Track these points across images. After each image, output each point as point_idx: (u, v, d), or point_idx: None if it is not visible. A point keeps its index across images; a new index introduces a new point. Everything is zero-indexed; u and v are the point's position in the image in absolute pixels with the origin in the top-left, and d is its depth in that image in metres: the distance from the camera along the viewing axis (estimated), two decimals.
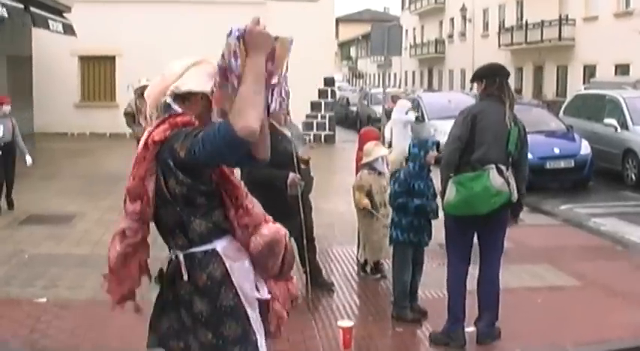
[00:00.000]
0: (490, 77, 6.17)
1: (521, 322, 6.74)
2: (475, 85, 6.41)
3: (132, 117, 13.64)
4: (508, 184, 5.89)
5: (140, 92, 13.82)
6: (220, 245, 3.33)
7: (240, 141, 2.97)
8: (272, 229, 3.40)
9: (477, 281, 6.32)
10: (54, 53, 23.58)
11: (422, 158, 6.69)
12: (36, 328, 6.41)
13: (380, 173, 8.03)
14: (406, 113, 16.48)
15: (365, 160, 8.01)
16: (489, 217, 6.01)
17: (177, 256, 3.38)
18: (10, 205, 11.67)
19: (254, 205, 3.44)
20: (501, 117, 5.99)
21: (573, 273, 8.59)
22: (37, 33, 20.79)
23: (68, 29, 20.20)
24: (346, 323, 6.09)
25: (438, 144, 7.52)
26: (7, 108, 11.63)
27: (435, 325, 6.55)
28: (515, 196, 5.97)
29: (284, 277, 3.51)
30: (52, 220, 10.80)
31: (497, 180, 5.85)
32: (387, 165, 8.12)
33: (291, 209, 6.65)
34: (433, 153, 6.74)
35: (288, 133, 7.22)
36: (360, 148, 8.54)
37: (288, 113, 7.11)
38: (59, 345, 6.10)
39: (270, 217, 3.48)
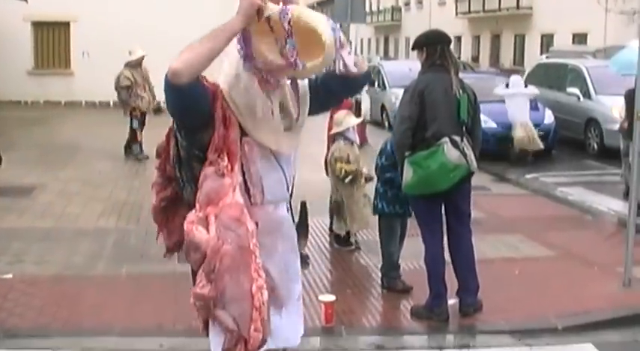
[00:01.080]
0: (431, 46, 5.98)
1: (501, 295, 6.65)
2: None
3: (127, 90, 13.20)
4: (465, 155, 5.76)
5: (136, 63, 13.45)
6: None
7: (167, 83, 2.92)
8: (202, 235, 3.04)
9: (450, 252, 6.23)
10: (6, 19, 22.85)
11: None
12: (3, 307, 6.15)
13: (353, 143, 7.87)
14: (525, 87, 15.94)
15: (335, 129, 7.85)
16: (454, 189, 5.91)
17: None
18: None
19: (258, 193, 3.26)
20: (448, 87, 5.83)
21: (547, 243, 8.55)
22: None
23: None
24: (328, 297, 5.94)
25: None
26: None
27: (416, 298, 6.45)
28: (474, 165, 5.84)
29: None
30: (12, 192, 10.44)
31: (452, 153, 5.71)
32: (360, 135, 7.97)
33: None
34: None
35: None
36: (331, 117, 8.30)
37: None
38: (29, 324, 5.85)
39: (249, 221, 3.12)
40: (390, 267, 6.85)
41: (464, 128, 5.87)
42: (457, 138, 5.76)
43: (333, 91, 3.43)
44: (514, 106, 15.03)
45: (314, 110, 3.47)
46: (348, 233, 8.09)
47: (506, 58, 40.68)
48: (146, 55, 13.38)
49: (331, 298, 5.94)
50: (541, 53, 32.75)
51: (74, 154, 13.95)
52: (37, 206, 9.77)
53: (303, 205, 6.16)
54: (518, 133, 14.60)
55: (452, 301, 6.18)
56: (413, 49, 6.20)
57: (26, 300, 6.32)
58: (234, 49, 3.12)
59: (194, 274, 3.15)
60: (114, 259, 7.45)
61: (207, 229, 3.04)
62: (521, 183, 12.77)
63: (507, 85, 15.52)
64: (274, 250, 3.31)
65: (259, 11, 3.01)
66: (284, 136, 3.26)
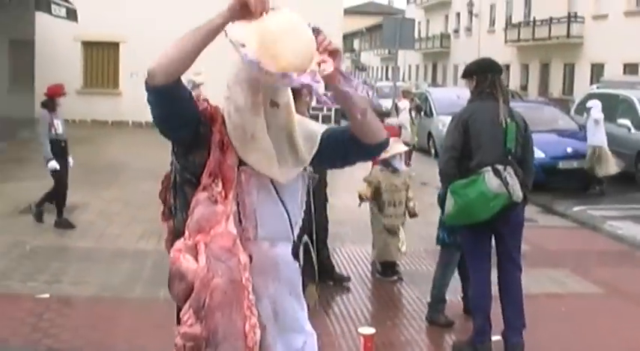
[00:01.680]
0: (481, 74, 5.82)
1: (545, 332, 6.44)
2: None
3: None
4: (506, 184, 5.54)
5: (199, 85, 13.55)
6: None
7: (145, 86, 2.72)
8: (190, 264, 2.80)
9: (499, 288, 5.98)
10: (57, 38, 23.22)
11: None
12: (38, 327, 6.09)
13: (394, 171, 7.76)
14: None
15: (383, 155, 7.74)
16: (499, 221, 5.68)
17: None
18: (60, 213, 9.80)
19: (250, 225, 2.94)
20: (494, 115, 5.65)
21: (594, 279, 8.29)
22: (41, 17, 20.43)
23: (71, 14, 19.87)
24: (367, 330, 5.71)
25: None
26: (62, 100, 9.77)
27: (459, 333, 6.26)
28: (517, 195, 5.59)
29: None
30: (54, 210, 10.44)
31: (492, 182, 5.52)
32: (407, 162, 7.89)
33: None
34: None
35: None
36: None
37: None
38: (63, 345, 5.78)
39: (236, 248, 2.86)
40: (438, 299, 6.68)
41: (509, 157, 5.68)
42: (500, 167, 5.57)
43: (349, 153, 3.08)
44: (594, 130, 14.85)
45: (328, 164, 3.22)
46: (393, 263, 7.95)
47: (556, 87, 40.22)
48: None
49: (371, 330, 5.71)
50: (591, 83, 32.26)
51: (118, 173, 14.01)
52: (78, 225, 9.75)
53: (306, 245, 6.04)
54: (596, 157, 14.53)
55: (496, 337, 5.97)
56: (463, 77, 6.05)
57: (62, 321, 6.26)
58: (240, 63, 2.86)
59: (178, 309, 2.88)
60: (152, 282, 7.35)
61: (196, 259, 2.80)
62: (568, 215, 12.49)
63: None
64: (263, 292, 2.95)
65: (246, 7, 2.72)
66: (282, 165, 2.94)
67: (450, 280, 6.68)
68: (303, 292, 3.18)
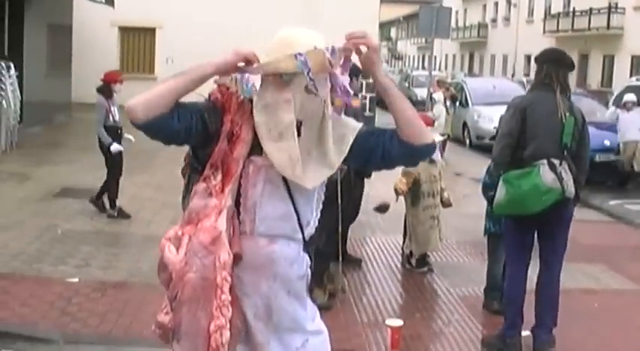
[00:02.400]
0: (539, 63, 5.70)
1: (578, 329, 6.32)
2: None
3: None
4: (561, 179, 5.41)
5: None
6: None
7: (130, 120, 2.73)
8: (172, 256, 2.82)
9: (536, 284, 5.87)
10: (94, 23, 23.35)
11: None
12: (66, 311, 6.11)
13: (431, 161, 7.65)
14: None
15: None
16: (548, 215, 5.54)
17: None
18: (112, 203, 9.66)
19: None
20: (554, 107, 5.51)
21: (630, 275, 8.14)
22: (79, 2, 20.53)
23: None
24: (395, 322, 5.68)
25: None
26: (119, 87, 9.47)
27: (489, 327, 6.17)
28: (570, 191, 5.47)
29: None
30: (87, 194, 10.45)
31: (547, 176, 5.40)
32: (441, 152, 7.79)
33: (329, 197, 6.27)
34: None
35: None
36: None
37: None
38: (90, 330, 5.79)
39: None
40: (492, 287, 6.66)
41: (565, 152, 5.54)
42: (556, 161, 5.45)
43: (393, 156, 2.94)
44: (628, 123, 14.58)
45: (362, 163, 3.11)
46: (424, 255, 7.87)
47: (594, 79, 39.65)
48: None
49: (399, 322, 5.68)
50: (630, 75, 31.76)
51: (151, 158, 13.99)
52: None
53: (317, 251, 5.98)
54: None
55: (525, 332, 5.87)
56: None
57: (90, 305, 6.27)
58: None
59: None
60: None
61: (177, 251, 2.81)
62: (605, 209, 12.31)
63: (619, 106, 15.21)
64: (255, 289, 2.90)
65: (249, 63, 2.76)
66: (308, 166, 2.83)
67: (500, 268, 6.54)
68: (311, 293, 3.12)
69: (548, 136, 5.52)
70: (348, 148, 2.91)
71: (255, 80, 2.81)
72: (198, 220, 2.80)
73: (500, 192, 5.63)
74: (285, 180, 2.85)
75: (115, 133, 9.44)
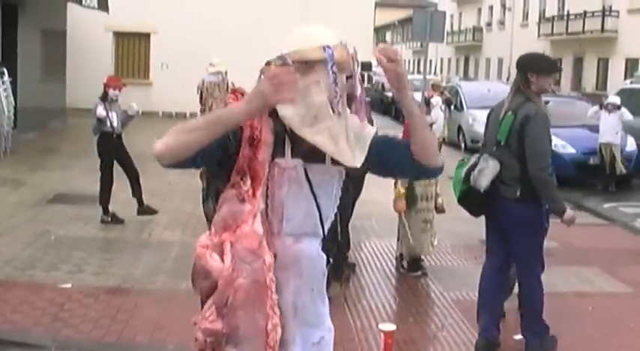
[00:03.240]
0: (517, 69, 5.73)
1: (572, 332, 6.30)
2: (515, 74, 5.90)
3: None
4: (472, 169, 5.62)
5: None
6: None
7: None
8: (216, 263, 2.81)
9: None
10: (88, 28, 23.34)
11: None
12: (59, 317, 6.09)
13: None
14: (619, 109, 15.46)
15: None
16: (493, 214, 5.68)
17: None
18: (140, 204, 9.88)
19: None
20: (501, 107, 5.68)
21: (624, 278, 8.11)
22: (72, 7, 20.52)
23: (103, 4, 19.94)
24: (388, 327, 5.63)
25: None
26: (114, 93, 9.58)
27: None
28: (478, 182, 5.54)
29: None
30: (80, 200, 10.50)
31: (465, 168, 5.72)
32: None
33: None
34: None
35: None
36: (406, 138, 8.15)
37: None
38: (82, 336, 5.77)
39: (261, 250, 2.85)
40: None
41: (495, 148, 5.61)
42: (485, 155, 5.65)
43: (403, 170, 3.08)
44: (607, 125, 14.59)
45: (371, 169, 3.09)
46: (418, 259, 7.86)
47: (589, 82, 39.71)
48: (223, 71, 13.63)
49: (392, 327, 5.62)
50: (625, 78, 31.86)
51: (146, 164, 13.87)
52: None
53: (338, 246, 5.96)
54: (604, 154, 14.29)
55: (517, 336, 5.87)
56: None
57: (82, 311, 6.25)
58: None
59: (202, 302, 2.93)
60: (174, 274, 7.31)
61: (222, 258, 2.80)
62: (598, 212, 12.30)
63: (601, 107, 15.12)
64: (284, 288, 2.93)
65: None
66: (349, 143, 2.87)
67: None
68: (327, 289, 3.14)
69: (491, 133, 5.72)
70: (366, 150, 2.94)
71: None
72: (236, 226, 2.81)
73: None
74: (308, 179, 2.89)
75: (112, 139, 9.40)
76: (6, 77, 14.78)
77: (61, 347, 5.58)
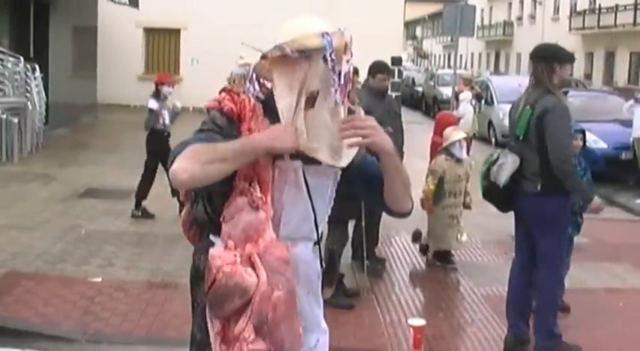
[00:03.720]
0: (532, 61, 5.72)
1: (602, 329, 6.24)
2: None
3: None
4: (493, 164, 5.61)
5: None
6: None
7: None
8: (253, 279, 2.65)
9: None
10: (119, 24, 23.47)
11: None
12: (89, 310, 6.13)
13: (458, 160, 7.68)
14: None
15: (444, 144, 7.73)
16: (517, 209, 5.64)
17: None
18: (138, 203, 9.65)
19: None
20: (519, 102, 5.65)
21: None
22: (103, 4, 20.65)
23: (133, 1, 20.05)
24: (417, 322, 5.64)
25: (583, 131, 6.57)
26: (168, 90, 9.56)
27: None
28: (499, 177, 5.51)
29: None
30: (111, 195, 10.57)
31: (486, 164, 5.72)
32: (466, 150, 7.93)
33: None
34: (577, 142, 6.22)
35: None
36: (436, 133, 8.36)
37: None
38: (112, 330, 5.81)
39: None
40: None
41: (514, 143, 5.59)
42: (506, 149, 5.66)
43: (370, 192, 2.97)
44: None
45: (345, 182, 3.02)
46: (447, 253, 7.87)
47: (621, 76, 39.27)
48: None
49: (421, 322, 5.63)
50: None
51: None
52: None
53: (329, 250, 5.99)
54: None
55: None
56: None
57: (112, 305, 6.29)
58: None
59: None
60: None
61: (256, 273, 2.65)
62: (630, 208, 12.19)
63: (636, 100, 14.91)
64: None
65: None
66: (321, 139, 2.75)
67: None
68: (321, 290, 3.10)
69: (512, 129, 5.68)
70: (352, 156, 2.85)
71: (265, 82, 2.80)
72: (258, 236, 2.69)
73: None
74: (306, 181, 2.82)
75: (163, 137, 9.42)
76: (37, 73, 14.90)
77: (91, 340, 5.63)
